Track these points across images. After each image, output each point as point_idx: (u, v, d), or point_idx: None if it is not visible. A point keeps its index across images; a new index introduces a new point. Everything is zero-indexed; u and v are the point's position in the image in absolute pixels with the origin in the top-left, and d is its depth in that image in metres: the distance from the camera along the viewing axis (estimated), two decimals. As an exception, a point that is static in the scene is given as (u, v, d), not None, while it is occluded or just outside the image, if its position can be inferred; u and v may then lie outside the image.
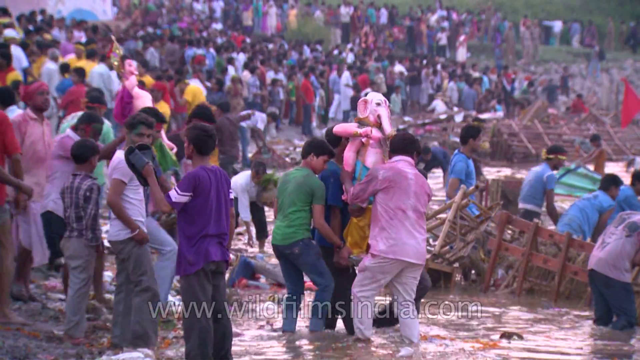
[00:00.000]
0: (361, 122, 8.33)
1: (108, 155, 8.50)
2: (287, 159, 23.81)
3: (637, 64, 49.88)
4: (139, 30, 31.56)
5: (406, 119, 31.54)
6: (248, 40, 34.01)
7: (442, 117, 30.58)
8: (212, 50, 28.05)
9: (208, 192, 7.02)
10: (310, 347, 8.15)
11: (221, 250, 7.13)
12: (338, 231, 8.38)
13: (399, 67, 35.27)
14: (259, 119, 22.77)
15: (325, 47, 37.44)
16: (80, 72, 16.29)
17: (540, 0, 53.67)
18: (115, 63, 9.01)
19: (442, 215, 11.22)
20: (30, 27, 21.89)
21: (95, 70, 18.58)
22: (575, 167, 18.28)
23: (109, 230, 7.85)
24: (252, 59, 29.06)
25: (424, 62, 37.45)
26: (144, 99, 9.10)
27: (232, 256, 11.75)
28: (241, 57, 29.11)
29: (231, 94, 23.55)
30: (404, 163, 8.12)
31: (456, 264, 11.07)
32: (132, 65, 9.05)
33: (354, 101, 30.25)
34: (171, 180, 8.75)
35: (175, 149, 9.18)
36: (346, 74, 31.50)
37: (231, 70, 26.15)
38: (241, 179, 13.10)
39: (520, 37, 45.70)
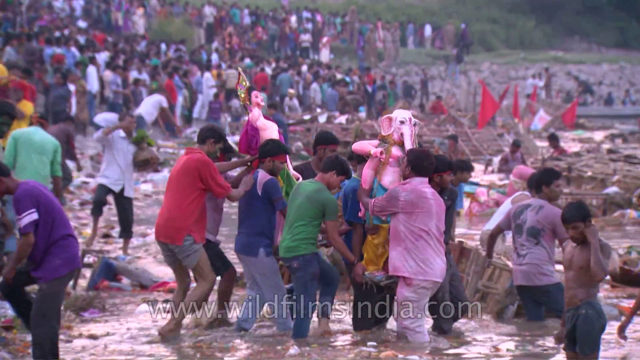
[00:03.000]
0: (383, 140, 8.32)
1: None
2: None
3: (493, 66, 51.29)
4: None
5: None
6: (110, 39, 33.57)
7: (306, 117, 30.82)
8: (73, 49, 27.57)
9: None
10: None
11: None
12: (358, 247, 8.36)
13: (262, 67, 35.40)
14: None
15: (189, 47, 37.26)
16: None
17: (401, 4, 54.68)
18: (242, 95, 8.93)
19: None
20: None
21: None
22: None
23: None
24: (114, 58, 28.72)
25: (288, 63, 37.71)
26: (270, 130, 8.88)
27: (94, 258, 11.64)
28: (103, 56, 28.71)
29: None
30: (423, 184, 8.11)
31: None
32: (258, 96, 8.90)
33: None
34: None
35: (300, 178, 9.00)
36: (207, 75, 31.50)
37: (91, 70, 25.79)
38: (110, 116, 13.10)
39: (382, 40, 46.43)
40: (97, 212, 13.25)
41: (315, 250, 8.33)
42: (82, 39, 30.58)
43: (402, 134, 8.28)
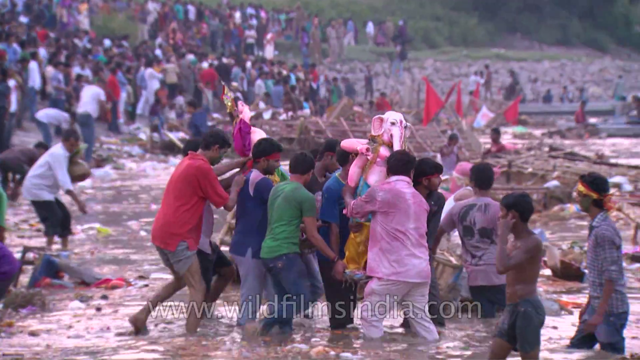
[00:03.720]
0: (373, 139, 8.34)
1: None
2: (94, 156, 23.45)
3: (437, 63, 51.69)
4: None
5: (215, 115, 31.61)
6: (52, 35, 33.23)
7: (251, 114, 30.77)
8: (14, 44, 27.25)
9: None
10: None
11: None
12: (335, 246, 8.34)
13: (206, 64, 35.30)
14: (62, 119, 22.35)
15: (132, 42, 37.03)
16: None
17: (345, 0, 54.84)
18: (229, 104, 9.04)
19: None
20: None
21: None
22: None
23: None
24: (56, 53, 28.44)
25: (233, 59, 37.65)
26: (258, 133, 8.99)
27: (34, 255, 11.55)
28: (44, 52, 28.41)
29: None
30: (402, 183, 8.08)
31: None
32: (244, 105, 9.06)
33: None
34: None
35: None
36: (149, 71, 31.36)
37: (33, 66, 25.50)
38: (58, 149, 13.06)
39: (327, 36, 46.54)
40: (59, 230, 13.27)
41: (297, 250, 8.34)
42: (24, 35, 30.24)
43: (391, 135, 8.33)
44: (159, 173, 22.97)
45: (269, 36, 43.66)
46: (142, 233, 14.79)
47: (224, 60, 37.02)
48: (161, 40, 38.47)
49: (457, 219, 9.06)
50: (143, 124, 29.39)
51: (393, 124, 8.37)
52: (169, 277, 11.18)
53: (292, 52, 46.18)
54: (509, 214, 6.84)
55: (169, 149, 25.98)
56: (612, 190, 18.20)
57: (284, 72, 37.10)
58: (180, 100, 32.25)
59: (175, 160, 24.25)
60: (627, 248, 12.97)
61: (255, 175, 8.53)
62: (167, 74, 32.46)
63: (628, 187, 18.71)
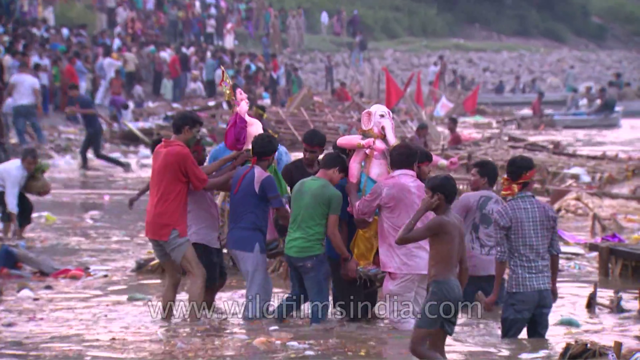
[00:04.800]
0: (365, 134, 8.37)
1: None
2: (52, 145, 23.25)
3: (397, 53, 51.80)
4: None
5: (174, 105, 31.45)
6: (11, 25, 32.87)
7: (211, 104, 30.68)
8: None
9: None
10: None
11: None
12: (345, 243, 8.36)
13: (165, 54, 35.10)
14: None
15: (90, 32, 36.72)
16: None
17: (305, -10, 54.79)
18: (227, 92, 8.92)
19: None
20: None
21: None
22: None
23: None
24: (14, 42, 28.15)
25: (192, 48, 37.46)
26: (256, 125, 8.88)
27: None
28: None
29: None
30: (406, 177, 8.13)
31: (225, 250, 11.21)
32: (242, 93, 8.93)
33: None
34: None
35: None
36: (108, 60, 31.14)
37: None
38: (14, 169, 12.72)
39: (286, 26, 46.45)
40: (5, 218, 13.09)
41: (324, 252, 8.40)
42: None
43: (383, 128, 8.40)
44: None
45: (228, 26, 43.49)
46: (89, 221, 14.72)
47: (183, 50, 36.83)
48: (120, 30, 38.19)
49: (477, 206, 9.10)
50: (102, 114, 29.14)
51: (382, 116, 8.46)
52: (108, 267, 11.20)
53: (251, 42, 46.05)
54: (434, 196, 6.91)
55: (129, 138, 25.81)
56: (569, 182, 18.50)
57: (247, 62, 36.98)
58: (138, 89, 32.04)
59: (146, 151, 24.12)
60: (587, 238, 13.13)
61: (259, 172, 8.55)
62: (127, 63, 32.23)
63: (586, 178, 18.88)
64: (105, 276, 10.88)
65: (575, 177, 19.05)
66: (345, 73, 46.92)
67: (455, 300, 6.86)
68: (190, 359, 7.44)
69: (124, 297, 9.78)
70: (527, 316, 7.72)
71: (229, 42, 42.73)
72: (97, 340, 8.02)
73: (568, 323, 8.76)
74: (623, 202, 15.91)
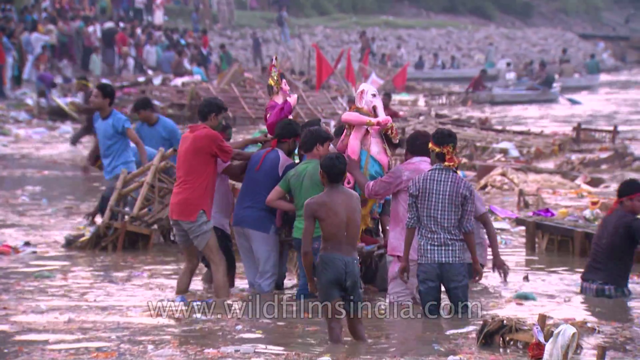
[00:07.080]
0: (359, 112, 8.46)
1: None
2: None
3: (327, 30, 51.87)
4: None
5: (104, 81, 31.18)
6: None
7: (141, 79, 30.48)
8: None
9: None
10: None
11: None
12: None
13: (94, 28, 34.76)
14: None
15: (17, 6, 36.15)
16: None
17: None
18: (275, 77, 9.04)
19: (142, 178, 11.33)
20: None
21: None
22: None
23: None
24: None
25: (121, 24, 37.12)
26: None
27: None
28: None
29: None
30: (425, 164, 8.19)
31: (155, 226, 11.25)
32: (286, 85, 9.11)
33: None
34: None
35: None
36: (35, 35, 30.72)
37: None
38: None
39: (216, 2, 46.20)
40: None
41: None
42: None
43: (374, 107, 8.52)
44: (48, 140, 22.65)
45: (158, 1, 43.12)
46: (23, 198, 14.63)
47: (111, 24, 36.46)
48: (48, 4, 37.65)
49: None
50: (30, 89, 28.81)
51: (374, 95, 8.62)
52: (38, 242, 11.14)
53: (181, 17, 45.73)
54: (324, 174, 7.12)
55: (57, 114, 25.55)
56: (498, 156, 18.82)
57: (175, 37, 36.77)
58: (65, 64, 31.69)
59: (66, 128, 23.92)
60: (514, 212, 13.40)
61: (285, 158, 8.76)
62: (52, 36, 31.80)
63: (515, 153, 19.23)
64: (34, 252, 10.83)
65: (504, 151, 19.40)
66: (276, 49, 46.88)
67: (331, 274, 7.00)
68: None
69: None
70: (432, 287, 7.85)
71: (159, 17, 42.40)
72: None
73: (524, 297, 8.79)
74: (547, 176, 16.24)
